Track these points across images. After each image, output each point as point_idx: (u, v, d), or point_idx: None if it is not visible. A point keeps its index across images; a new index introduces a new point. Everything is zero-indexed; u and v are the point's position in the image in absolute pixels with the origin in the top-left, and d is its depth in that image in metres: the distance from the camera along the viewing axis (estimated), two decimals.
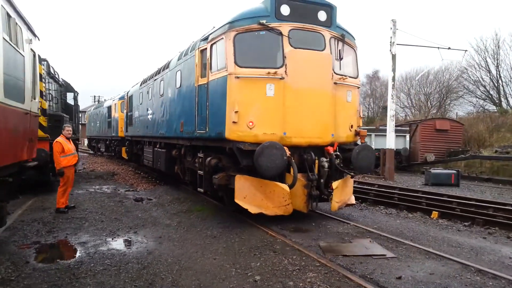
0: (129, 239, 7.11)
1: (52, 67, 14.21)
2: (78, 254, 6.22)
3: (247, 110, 7.57)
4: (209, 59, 8.62)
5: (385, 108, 31.45)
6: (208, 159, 8.41)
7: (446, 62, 21.45)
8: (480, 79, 35.78)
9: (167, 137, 12.09)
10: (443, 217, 9.31)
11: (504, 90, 35.08)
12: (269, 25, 7.71)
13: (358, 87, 9.06)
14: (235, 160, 7.79)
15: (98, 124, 30.78)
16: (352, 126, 8.66)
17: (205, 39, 8.94)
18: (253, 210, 7.58)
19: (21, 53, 6.05)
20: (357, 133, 8.82)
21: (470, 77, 36.65)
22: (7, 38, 5.23)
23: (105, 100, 32.37)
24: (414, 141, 23.76)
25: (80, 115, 28.63)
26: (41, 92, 11.63)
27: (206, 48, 8.80)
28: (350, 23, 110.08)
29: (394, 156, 19.85)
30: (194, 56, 9.43)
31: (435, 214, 9.37)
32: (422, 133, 23.55)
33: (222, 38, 7.97)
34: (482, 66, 35.37)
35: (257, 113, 7.62)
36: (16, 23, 5.81)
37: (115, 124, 23.43)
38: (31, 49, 6.88)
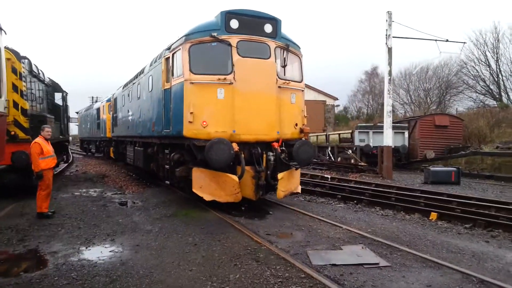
0: (104, 248, 6.59)
1: (35, 65, 13.65)
2: (45, 265, 5.71)
3: (201, 111, 8.76)
4: (171, 66, 9.81)
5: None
6: (172, 154, 9.92)
7: (445, 56, 20.86)
8: (480, 73, 35.26)
9: (143, 136, 13.17)
10: (442, 218, 8.80)
11: (504, 85, 34.62)
12: (220, 37, 8.90)
13: (303, 90, 10.23)
14: (193, 155, 9.01)
15: (88, 126, 31.35)
16: (296, 124, 9.81)
17: (169, 48, 10.08)
18: (207, 198, 8.86)
19: None
20: (301, 131, 9.91)
21: (469, 72, 36.17)
22: None
23: (95, 101, 32.30)
24: (413, 137, 23.25)
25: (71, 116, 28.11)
26: (21, 91, 11.18)
27: (169, 57, 9.94)
28: (348, 17, 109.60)
29: (393, 153, 19.35)
30: (161, 63, 10.56)
31: (434, 215, 8.85)
32: (421, 130, 23.03)
33: (180, 48, 9.19)
34: (481, 61, 34.87)
35: (209, 113, 8.78)
36: None
37: (103, 126, 24.02)
38: None
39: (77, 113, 38.50)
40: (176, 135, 9.47)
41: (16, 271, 5.52)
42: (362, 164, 19.82)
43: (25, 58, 12.20)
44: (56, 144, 16.09)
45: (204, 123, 8.75)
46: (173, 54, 9.70)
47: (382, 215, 9.26)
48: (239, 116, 8.84)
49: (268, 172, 9.05)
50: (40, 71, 14.76)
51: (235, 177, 8.61)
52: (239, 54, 8.89)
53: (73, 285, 4.89)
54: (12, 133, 10.97)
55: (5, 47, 11.09)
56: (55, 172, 18.30)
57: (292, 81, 9.71)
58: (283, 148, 9.43)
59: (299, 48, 10.22)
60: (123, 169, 20.51)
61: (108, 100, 22.98)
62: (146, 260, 5.85)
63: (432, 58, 36.18)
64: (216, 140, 8.31)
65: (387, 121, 17.69)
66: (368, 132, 21.99)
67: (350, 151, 21.80)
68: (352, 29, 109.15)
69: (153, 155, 12.52)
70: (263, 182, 8.83)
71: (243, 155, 8.71)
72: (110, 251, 6.38)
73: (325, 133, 26.79)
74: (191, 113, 8.70)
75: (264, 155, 9.06)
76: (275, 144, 9.19)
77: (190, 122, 8.72)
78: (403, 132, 22.52)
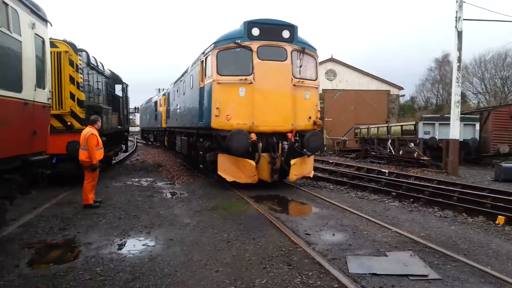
0: (138, 241, 6.48)
1: (93, 57, 14.04)
2: (76, 257, 5.68)
3: (225, 106, 10.45)
4: (204, 68, 11.64)
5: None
6: (204, 142, 11.92)
7: None
8: None
9: (186, 127, 15.14)
10: (511, 223, 7.70)
11: None
12: (242, 44, 10.52)
13: (317, 87, 11.64)
14: (220, 143, 10.65)
15: (148, 117, 34.37)
16: (310, 118, 11.16)
17: (203, 53, 11.88)
18: (229, 179, 10.65)
19: (15, 38, 5.55)
20: (314, 123, 11.25)
21: None
22: None
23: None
24: (486, 130, 21.18)
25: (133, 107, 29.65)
26: (77, 83, 11.51)
27: (203, 60, 11.76)
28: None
29: (462, 147, 17.78)
30: (198, 65, 12.43)
31: (501, 219, 7.78)
32: (495, 122, 20.90)
33: (210, 54, 10.91)
34: None
35: (232, 108, 10.43)
36: (7, 5, 5.29)
37: (160, 117, 26.29)
38: (37, 35, 6.41)
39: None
40: (206, 126, 11.17)
41: (47, 261, 5.55)
42: (425, 158, 18.41)
43: (82, 50, 12.53)
44: (114, 134, 16.67)
45: (228, 116, 10.43)
46: (205, 58, 11.54)
47: (440, 217, 8.32)
48: (257, 110, 10.46)
49: (283, 158, 10.69)
50: (99, 63, 15.18)
51: (252, 162, 10.38)
52: (258, 58, 10.55)
53: (95, 281, 4.75)
54: (69, 123, 11.36)
55: (63, 40, 11.55)
56: (114, 161, 19.07)
57: (306, 79, 11.11)
58: (297, 138, 10.96)
59: (315, 50, 11.57)
60: (178, 159, 20.86)
61: (164, 94, 25.09)
62: (175, 257, 5.62)
63: (510, 43, 32.87)
64: (235, 131, 10.02)
65: (455, 112, 16.21)
66: (434, 123, 20.36)
67: (412, 144, 20.37)
68: (422, 13, 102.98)
69: (193, 144, 14.23)
70: (277, 167, 10.59)
71: (260, 144, 10.39)
72: (143, 245, 6.24)
73: (386, 125, 25.36)
74: (217, 108, 10.47)
75: (280, 144, 10.65)
76: (289, 135, 10.73)
77: (216, 116, 10.48)
78: (474, 124, 20.59)
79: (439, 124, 20.19)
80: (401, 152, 21.19)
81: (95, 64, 14.31)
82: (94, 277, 4.87)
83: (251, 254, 5.64)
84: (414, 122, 21.85)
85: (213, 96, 10.62)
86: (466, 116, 20.99)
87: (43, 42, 6.71)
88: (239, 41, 10.51)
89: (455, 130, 16.18)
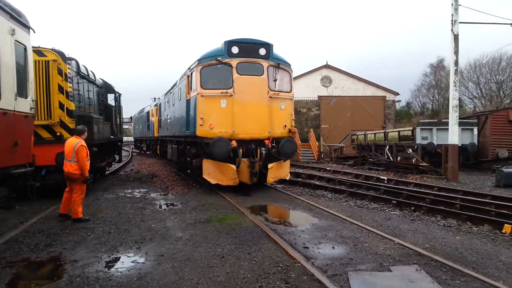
0: (127, 257, 6.12)
1: (83, 66, 13.73)
2: (60, 276, 5.31)
3: (208, 117, 11.53)
4: (190, 82, 12.80)
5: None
6: (191, 149, 13.19)
7: None
8: None
9: (176, 136, 16.11)
10: None
11: None
12: (223, 61, 11.58)
13: (291, 99, 12.67)
14: (204, 149, 11.63)
15: (140, 127, 35.57)
16: (285, 126, 12.23)
17: (189, 68, 12.99)
18: (213, 181, 11.67)
19: None
20: (289, 131, 12.34)
21: None
22: None
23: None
24: (484, 135, 20.99)
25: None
26: (67, 92, 11.18)
27: (189, 75, 12.83)
28: (411, 4, 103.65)
29: (460, 152, 17.52)
30: (185, 79, 13.53)
31: (507, 227, 7.47)
32: (493, 126, 20.72)
33: (194, 70, 12.04)
34: None
35: (215, 118, 11.50)
36: None
37: (152, 127, 27.41)
38: (17, 41, 6.09)
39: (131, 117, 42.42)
40: (192, 134, 12.18)
41: (28, 282, 5.18)
42: (424, 164, 18.14)
43: (71, 59, 12.20)
44: (107, 144, 16.29)
45: (211, 125, 11.49)
46: (191, 73, 12.60)
47: (443, 226, 8.00)
48: (237, 120, 11.48)
49: (261, 163, 11.67)
50: (90, 72, 14.86)
51: (233, 166, 11.32)
52: (238, 73, 11.58)
53: None
54: (58, 133, 11.01)
55: (51, 49, 11.24)
56: (108, 172, 18.67)
57: (281, 91, 12.19)
58: (274, 144, 11.83)
59: (290, 65, 12.72)
60: (173, 169, 20.48)
61: (156, 105, 26.15)
62: (165, 275, 5.26)
63: (505, 46, 32.89)
64: (217, 139, 11.01)
65: (453, 117, 15.97)
66: (431, 129, 20.13)
67: (410, 150, 20.11)
68: (416, 18, 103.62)
69: (182, 151, 15.37)
70: (256, 171, 11.46)
71: (240, 150, 11.28)
72: (132, 262, 5.88)
73: (383, 131, 25.13)
74: (201, 118, 11.54)
75: (258, 150, 11.61)
76: (267, 141, 11.65)
77: (201, 125, 11.55)
78: (472, 129, 20.39)
79: (437, 129, 19.98)
80: (399, 158, 20.93)
81: (86, 73, 13.98)
82: None
83: (246, 271, 5.30)
84: (411, 128, 21.62)
85: (198, 108, 11.73)
86: (464, 120, 20.78)
87: (25, 49, 6.40)
88: (220, 58, 11.61)
89: (454, 135, 15.94)
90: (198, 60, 11.96)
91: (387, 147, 22.43)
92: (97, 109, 15.67)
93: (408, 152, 20.12)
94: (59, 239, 7.11)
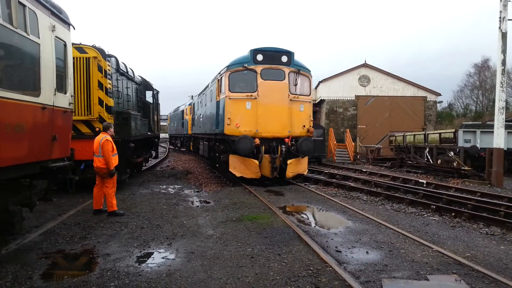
0: (158, 253, 6.16)
1: (123, 63, 14.03)
2: (92, 269, 5.41)
3: (235, 117, 12.88)
4: (219, 86, 14.26)
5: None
6: (220, 146, 14.73)
7: None
8: None
9: (207, 133, 17.55)
10: None
11: None
12: (249, 67, 12.93)
13: (310, 102, 13.89)
14: (231, 146, 12.83)
15: (175, 124, 38.07)
16: (304, 126, 13.40)
17: (219, 73, 14.45)
18: (238, 174, 12.91)
19: (33, 40, 5.37)
20: (308, 130, 13.48)
21: None
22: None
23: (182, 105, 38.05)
24: None
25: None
26: (106, 89, 11.45)
27: (219, 79, 14.29)
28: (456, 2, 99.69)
29: (506, 157, 16.62)
30: (216, 82, 15.03)
31: None
32: None
33: (224, 75, 13.49)
34: None
35: (240, 118, 12.84)
36: (24, 6, 5.12)
37: (186, 125, 29.54)
38: (57, 37, 6.24)
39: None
40: (221, 132, 13.59)
41: (62, 274, 5.30)
42: (466, 168, 17.33)
43: (111, 56, 12.48)
44: (144, 140, 16.62)
45: (237, 125, 12.80)
46: (220, 78, 14.04)
47: (486, 234, 7.55)
48: (260, 120, 12.76)
49: (281, 159, 12.87)
50: (129, 69, 15.18)
51: (256, 161, 12.56)
52: (262, 78, 12.88)
53: None
54: (97, 129, 11.25)
55: (92, 46, 11.54)
56: (144, 168, 19.06)
57: (301, 95, 13.42)
58: (293, 142, 13.03)
59: (309, 71, 13.89)
60: (207, 166, 20.66)
61: (190, 104, 28.44)
62: (194, 273, 5.23)
63: None
64: (243, 136, 12.30)
65: (499, 119, 15.16)
66: (475, 131, 19.19)
67: (452, 152, 19.28)
68: (461, 16, 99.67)
69: (212, 147, 16.90)
70: (276, 166, 12.74)
71: (263, 147, 12.65)
72: (162, 258, 5.91)
73: (423, 132, 24.26)
74: (229, 118, 12.91)
75: (279, 147, 12.85)
76: (286, 140, 12.89)
77: (228, 124, 12.92)
78: None
79: (481, 132, 19.01)
80: (439, 162, 20.11)
81: (125, 70, 14.29)
82: None
83: (275, 273, 5.18)
84: (453, 130, 20.72)
85: (226, 109, 13.10)
86: (511, 123, 19.70)
87: (65, 45, 6.54)
88: (246, 65, 12.96)
89: (500, 138, 15.13)
90: (227, 67, 13.46)
91: (427, 150, 21.62)
92: (135, 106, 15.99)
93: (450, 155, 19.30)
94: (93, 232, 7.27)
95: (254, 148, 12.38)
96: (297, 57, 13.51)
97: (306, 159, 13.80)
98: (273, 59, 13.10)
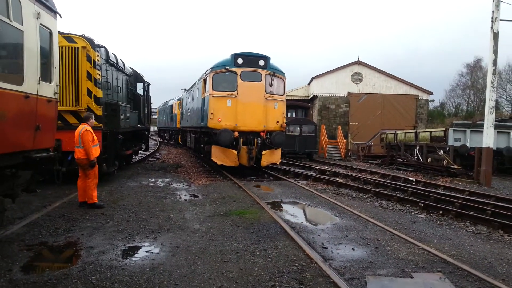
0: (143, 246, 6.08)
1: (113, 54, 13.81)
2: (74, 262, 5.32)
3: (217, 112, 14.37)
4: (205, 85, 15.70)
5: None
6: (204, 138, 16.48)
7: None
8: None
9: (194, 127, 19.13)
10: None
11: None
12: (230, 69, 14.50)
13: (283, 100, 15.41)
14: (213, 138, 14.38)
15: (164, 118, 39.73)
16: (278, 122, 14.89)
17: (205, 73, 15.89)
18: (219, 162, 14.47)
19: (16, 27, 5.23)
20: (281, 126, 15.00)
21: None
22: None
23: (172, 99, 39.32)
24: None
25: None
26: (95, 79, 11.28)
27: (205, 79, 15.69)
28: (448, 3, 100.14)
29: (495, 156, 16.73)
30: (201, 81, 16.55)
31: None
32: None
33: (208, 75, 15.00)
34: None
35: (222, 114, 14.32)
36: None
37: (175, 119, 31.36)
38: (42, 25, 6.09)
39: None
40: (205, 126, 15.14)
41: (43, 266, 5.21)
42: (455, 167, 17.43)
43: (101, 46, 12.28)
44: (134, 132, 16.46)
45: (219, 119, 14.28)
46: (205, 78, 15.46)
47: (472, 233, 7.57)
48: (239, 116, 14.29)
49: (257, 150, 14.37)
50: (119, 60, 14.96)
51: (235, 151, 14.12)
52: (241, 79, 14.46)
53: None
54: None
55: (81, 35, 11.34)
56: (134, 160, 18.89)
57: (276, 94, 14.96)
58: (268, 136, 14.59)
59: (284, 73, 15.47)
60: (198, 160, 20.56)
61: (178, 99, 30.01)
62: (178, 267, 5.17)
63: None
64: (223, 129, 13.84)
65: (489, 119, 15.24)
66: (465, 130, 19.28)
67: (442, 151, 19.37)
68: (453, 16, 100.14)
69: (198, 139, 18.48)
70: (253, 156, 14.26)
71: (241, 139, 14.22)
72: (147, 251, 5.83)
73: (414, 131, 24.35)
74: (212, 113, 14.40)
75: (255, 140, 14.41)
76: (262, 133, 14.54)
77: (211, 118, 14.40)
78: (508, 132, 19.39)
79: (471, 131, 19.11)
80: (429, 160, 20.20)
81: (115, 61, 14.08)
82: None
83: (260, 268, 5.13)
84: (444, 129, 20.80)
85: (210, 105, 14.59)
86: (500, 123, 19.83)
87: (51, 33, 6.39)
88: (228, 67, 14.52)
89: (489, 138, 15.22)
90: (211, 68, 14.95)
91: (417, 148, 21.71)
92: (125, 98, 15.80)
93: (439, 153, 19.39)
94: (78, 225, 7.17)
95: (233, 140, 13.98)
96: (273, 61, 15.13)
97: (279, 150, 15.36)
98: (252, 63, 14.69)
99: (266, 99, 14.56)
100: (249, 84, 14.45)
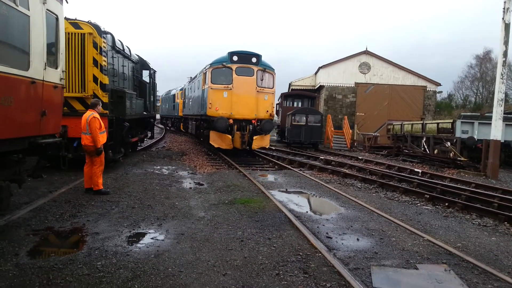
0: (148, 233, 6.11)
1: (119, 40, 13.75)
2: (80, 248, 5.35)
3: (215, 102, 16.48)
4: (205, 78, 17.84)
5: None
6: (203, 124, 19.05)
7: None
8: None
9: (195, 114, 21.72)
10: None
11: None
12: (227, 65, 16.58)
13: (273, 93, 17.38)
14: (212, 124, 16.33)
15: (167, 106, 42.97)
16: (267, 111, 16.92)
17: (205, 68, 18.06)
18: (216, 145, 16.49)
19: (22, 12, 5.19)
20: (270, 115, 17.03)
21: None
22: None
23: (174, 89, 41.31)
24: None
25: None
26: (101, 66, 11.25)
27: (205, 73, 17.79)
28: None
29: (502, 149, 16.57)
30: (202, 75, 18.88)
31: None
32: None
33: (207, 70, 17.11)
34: None
35: (219, 104, 16.45)
36: None
37: (177, 107, 34.33)
38: (49, 10, 6.05)
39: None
40: (204, 114, 17.46)
41: (49, 251, 5.25)
42: (462, 159, 17.30)
43: (107, 33, 12.23)
44: (139, 120, 16.47)
45: (216, 108, 16.42)
46: (205, 72, 17.66)
47: (478, 225, 7.53)
48: (234, 105, 16.43)
49: (249, 135, 16.50)
50: (125, 47, 14.89)
51: (229, 136, 16.20)
52: (236, 74, 16.55)
53: (92, 278, 4.37)
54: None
55: (87, 22, 11.29)
56: (140, 148, 18.94)
57: (266, 88, 17.02)
58: (258, 123, 16.67)
59: (273, 69, 17.42)
60: (203, 148, 20.57)
61: (181, 89, 32.39)
62: (183, 254, 5.19)
63: None
64: (220, 117, 15.96)
65: (498, 111, 15.06)
66: (473, 122, 19.10)
67: (449, 143, 19.23)
68: (464, 6, 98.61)
69: (198, 125, 21.18)
70: (245, 140, 16.36)
71: (235, 126, 16.34)
72: (152, 238, 5.86)
73: (421, 122, 24.17)
74: (210, 103, 16.55)
75: (247, 126, 16.63)
76: (253, 121, 16.66)
77: (210, 108, 16.55)
78: None
79: (479, 123, 18.93)
80: (436, 151, 20.08)
81: (121, 48, 14.02)
82: (93, 273, 4.49)
83: (264, 257, 5.14)
84: (451, 120, 20.64)
85: (208, 96, 16.74)
86: (509, 116, 19.60)
87: (57, 19, 6.36)
88: (224, 63, 16.64)
89: (497, 130, 15.05)
90: (210, 64, 17.18)
91: (424, 139, 21.57)
92: (131, 85, 15.78)
93: (446, 145, 19.25)
94: (84, 211, 7.20)
95: (229, 126, 16.14)
96: (264, 58, 17.28)
97: (268, 136, 17.59)
98: (245, 60, 16.72)
99: (257, 91, 16.68)
100: (242, 78, 16.59)
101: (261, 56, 16.92)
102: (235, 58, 16.60)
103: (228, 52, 16.75)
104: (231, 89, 16.45)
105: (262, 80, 16.81)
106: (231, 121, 16.16)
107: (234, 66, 16.56)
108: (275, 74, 17.51)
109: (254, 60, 16.77)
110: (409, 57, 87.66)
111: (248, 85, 16.56)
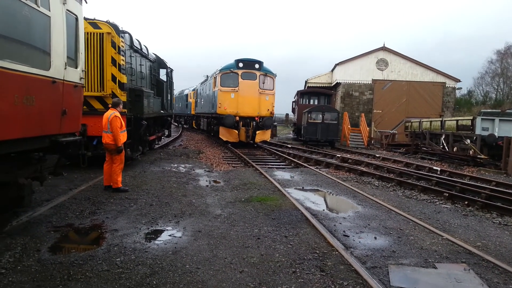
0: (166, 230, 6.18)
1: (137, 40, 13.90)
2: (99, 244, 5.46)
3: (223, 102, 19.82)
4: (215, 82, 21.22)
5: None
6: (214, 121, 22.56)
7: None
8: None
9: (206, 113, 25.00)
10: None
11: None
12: (233, 71, 19.90)
13: (273, 94, 20.52)
14: (221, 121, 19.71)
15: (180, 105, 46.00)
16: (268, 110, 20.12)
17: (215, 73, 21.58)
18: (224, 139, 20.00)
19: (43, 13, 5.30)
20: (271, 113, 20.26)
21: None
22: None
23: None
24: None
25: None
26: (119, 65, 11.40)
27: (215, 77, 21.27)
28: None
29: None
30: (212, 79, 22.25)
31: None
32: None
33: (217, 75, 20.63)
34: None
35: (227, 104, 19.71)
36: None
37: (190, 106, 37.89)
38: (69, 11, 6.16)
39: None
40: (215, 112, 20.66)
41: (69, 247, 5.36)
42: (482, 156, 16.97)
43: (125, 32, 12.37)
44: (157, 118, 16.63)
45: (225, 108, 19.56)
46: (215, 76, 21.04)
47: (499, 224, 7.38)
48: (240, 105, 19.56)
49: (252, 130, 19.76)
50: (143, 46, 15.04)
51: (236, 131, 19.55)
52: (241, 78, 19.72)
53: (111, 273, 4.45)
54: (110, 106, 11.28)
55: (106, 21, 11.45)
56: (157, 146, 19.14)
57: (267, 90, 20.12)
58: (261, 120, 19.79)
59: (274, 74, 20.59)
60: (220, 147, 20.69)
61: (193, 89, 35.50)
62: (200, 251, 5.23)
63: None
64: (228, 115, 19.14)
65: None
66: (493, 119, 18.72)
67: (468, 140, 18.88)
68: (484, 1, 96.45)
69: (209, 123, 24.39)
70: (249, 134, 19.74)
71: (241, 122, 19.64)
72: (169, 235, 5.93)
73: (440, 119, 23.79)
74: (220, 103, 19.78)
75: (251, 123, 19.79)
76: (256, 118, 19.72)
77: (219, 107, 19.79)
78: None
79: (500, 120, 18.55)
80: (455, 149, 19.74)
81: (139, 47, 14.17)
82: (112, 269, 4.58)
83: (281, 255, 5.15)
84: (471, 117, 20.27)
85: (218, 97, 20.05)
86: None
87: (76, 19, 6.47)
88: (231, 69, 19.88)
89: None
90: (220, 70, 20.47)
91: (443, 137, 21.23)
92: (149, 84, 15.93)
93: (466, 143, 18.91)
94: (103, 208, 7.33)
95: (235, 123, 19.42)
96: (266, 65, 20.45)
97: (269, 131, 21.20)
98: (249, 66, 19.91)
99: (259, 93, 19.93)
100: (247, 82, 19.77)
101: (262, 62, 20.22)
102: (240, 64, 19.82)
103: (235, 60, 20.12)
104: (237, 91, 19.68)
105: (263, 83, 20.05)
106: (237, 118, 19.39)
107: (239, 72, 19.78)
108: (275, 78, 20.77)
109: (257, 66, 19.96)
110: (428, 54, 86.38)
111: (252, 88, 19.74)
